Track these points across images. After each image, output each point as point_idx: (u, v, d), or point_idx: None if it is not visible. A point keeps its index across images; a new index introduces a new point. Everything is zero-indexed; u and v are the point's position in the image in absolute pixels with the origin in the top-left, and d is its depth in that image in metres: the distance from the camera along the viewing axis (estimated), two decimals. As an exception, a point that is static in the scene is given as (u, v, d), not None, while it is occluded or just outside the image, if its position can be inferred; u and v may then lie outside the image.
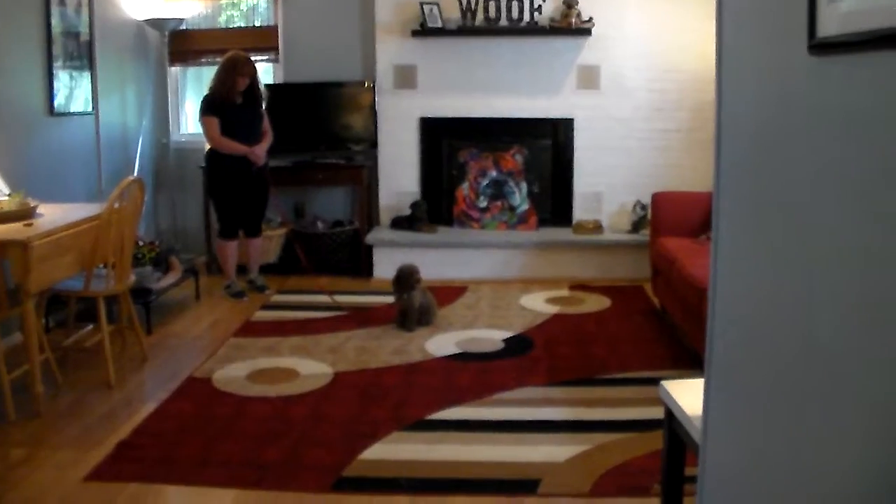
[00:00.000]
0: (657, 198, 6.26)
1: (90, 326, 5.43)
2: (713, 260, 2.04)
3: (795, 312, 1.56)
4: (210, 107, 6.45)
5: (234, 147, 6.42)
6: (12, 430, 4.15)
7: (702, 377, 2.17)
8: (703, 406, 2.10)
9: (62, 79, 6.19)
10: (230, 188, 6.58)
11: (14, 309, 4.30)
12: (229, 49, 7.58)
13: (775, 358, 1.67)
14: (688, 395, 2.56)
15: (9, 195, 4.91)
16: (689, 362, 4.88)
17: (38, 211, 4.75)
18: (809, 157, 1.52)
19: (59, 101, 6.14)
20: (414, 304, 5.74)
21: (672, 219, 6.05)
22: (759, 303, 1.77)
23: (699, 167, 7.13)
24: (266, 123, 6.73)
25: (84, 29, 6.52)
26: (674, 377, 2.98)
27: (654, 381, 3.45)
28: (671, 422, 2.66)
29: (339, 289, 6.79)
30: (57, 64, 6.10)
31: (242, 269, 6.92)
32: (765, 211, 1.74)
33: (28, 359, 4.34)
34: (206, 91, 6.62)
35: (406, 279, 5.78)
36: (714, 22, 2.09)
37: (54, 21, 6.06)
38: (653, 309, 6.18)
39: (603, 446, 3.91)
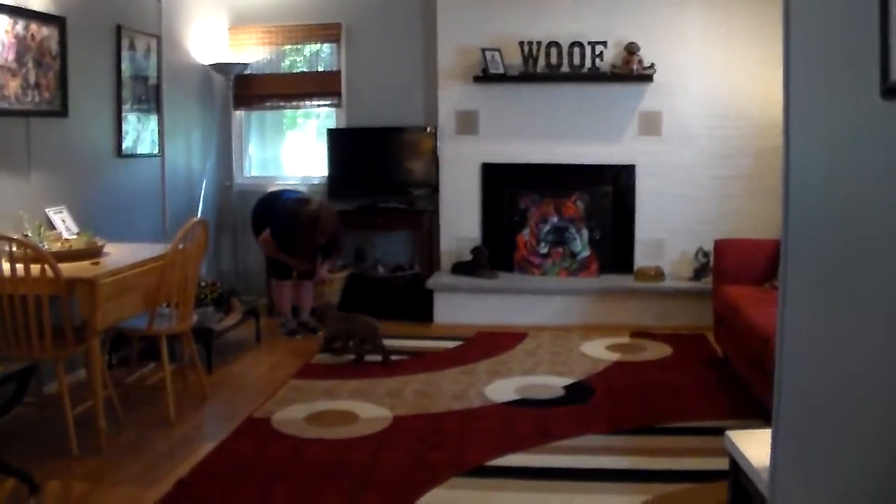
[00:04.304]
0: (720, 245, 6.18)
1: (152, 365, 5.50)
2: (781, 310, 2.01)
3: (869, 364, 1.53)
4: (277, 235, 6.58)
5: (283, 257, 6.66)
6: (75, 465, 4.20)
7: (766, 427, 2.13)
8: (771, 458, 2.05)
9: (130, 121, 6.34)
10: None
11: (80, 346, 4.36)
12: (293, 94, 7.72)
13: (847, 409, 1.63)
14: (754, 445, 2.51)
15: (77, 234, 5.01)
16: (753, 412, 4.78)
17: (105, 250, 4.85)
18: (884, 202, 1.49)
19: (127, 144, 6.28)
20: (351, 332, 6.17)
21: (735, 266, 5.97)
22: (830, 354, 1.73)
23: (762, 214, 7.05)
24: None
25: (152, 73, 6.67)
26: (737, 427, 2.93)
27: (717, 431, 3.39)
28: (736, 473, 2.61)
29: (399, 333, 6.79)
30: (126, 107, 6.26)
31: (296, 311, 6.98)
32: (836, 260, 1.71)
33: (92, 395, 4.41)
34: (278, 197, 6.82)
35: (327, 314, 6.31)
36: (777, 67, 2.07)
37: (124, 65, 6.22)
38: (715, 357, 6.08)
39: (664, 496, 3.83)
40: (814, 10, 1.87)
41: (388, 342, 6.16)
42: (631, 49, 7.15)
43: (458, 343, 6.55)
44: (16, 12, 4.96)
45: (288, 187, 7.42)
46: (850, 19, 1.64)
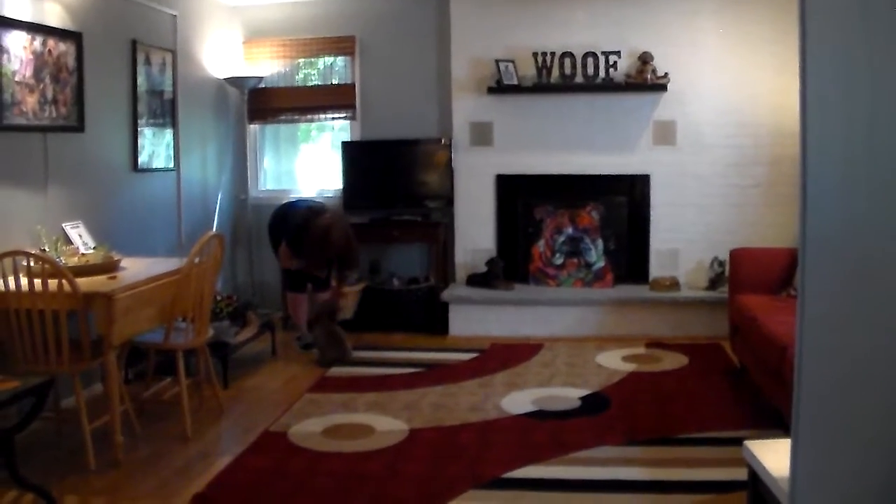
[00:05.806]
0: (735, 254, 6.16)
1: (168, 379, 5.50)
2: (799, 318, 1.99)
3: (891, 372, 1.52)
4: (291, 244, 6.57)
5: (301, 266, 6.64)
6: (93, 479, 4.21)
7: (784, 437, 2.12)
8: (791, 468, 2.04)
9: (146, 136, 6.36)
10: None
11: (96, 360, 4.37)
12: (307, 107, 7.75)
13: (868, 419, 1.62)
14: (773, 455, 2.50)
15: (94, 248, 5.03)
16: (771, 422, 4.75)
17: (121, 264, 4.86)
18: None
19: (142, 158, 6.30)
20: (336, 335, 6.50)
21: (751, 275, 5.95)
22: (850, 362, 1.72)
23: (777, 223, 7.03)
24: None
25: (168, 87, 6.70)
26: (754, 437, 2.91)
27: (734, 441, 3.37)
28: (755, 483, 2.60)
29: (414, 346, 6.79)
30: (141, 121, 6.28)
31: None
32: (855, 267, 1.70)
33: (109, 409, 4.41)
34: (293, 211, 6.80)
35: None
36: (792, 75, 2.06)
37: (140, 80, 6.25)
38: (732, 367, 6.05)
39: (683, 508, 3.82)
40: (831, 19, 1.86)
41: (404, 355, 6.21)
42: (644, 58, 7.15)
43: (474, 355, 6.54)
44: (34, 28, 4.99)
45: (305, 197, 7.45)
46: (869, 28, 1.63)
